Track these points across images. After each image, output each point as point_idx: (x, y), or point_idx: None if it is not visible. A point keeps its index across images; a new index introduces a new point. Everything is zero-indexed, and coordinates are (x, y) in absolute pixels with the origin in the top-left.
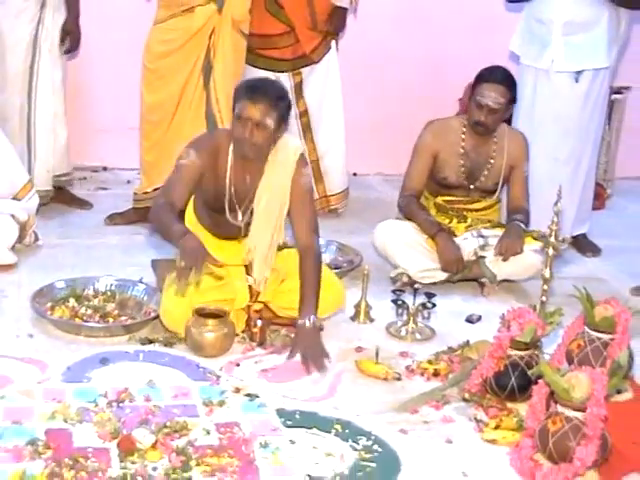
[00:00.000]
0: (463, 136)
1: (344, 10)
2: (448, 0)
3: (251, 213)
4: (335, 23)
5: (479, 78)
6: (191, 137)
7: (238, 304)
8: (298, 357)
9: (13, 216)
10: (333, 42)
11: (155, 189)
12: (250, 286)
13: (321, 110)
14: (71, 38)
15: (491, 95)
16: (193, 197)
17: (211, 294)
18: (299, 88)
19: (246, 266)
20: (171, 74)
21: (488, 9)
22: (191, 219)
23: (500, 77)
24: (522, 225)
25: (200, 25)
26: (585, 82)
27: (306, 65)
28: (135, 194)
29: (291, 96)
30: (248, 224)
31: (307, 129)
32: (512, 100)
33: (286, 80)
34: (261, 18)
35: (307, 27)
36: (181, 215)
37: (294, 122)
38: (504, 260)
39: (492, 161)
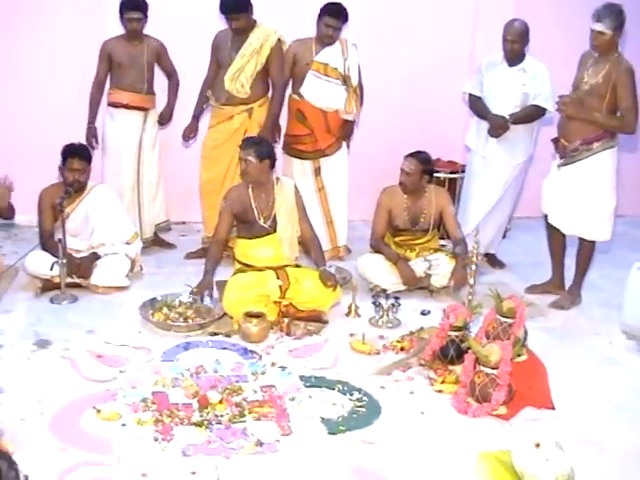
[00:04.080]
0: (405, 196)
1: (351, 122)
2: (407, 104)
3: (269, 218)
4: (345, 131)
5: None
6: None
7: (272, 298)
8: (313, 340)
9: (126, 255)
10: (344, 143)
11: (213, 235)
12: (280, 286)
13: (333, 189)
14: (165, 119)
15: (405, 164)
16: (236, 228)
17: (254, 292)
18: (318, 171)
19: (275, 271)
20: (219, 160)
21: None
22: (238, 241)
23: (415, 154)
24: (464, 258)
25: (237, 127)
26: (517, 167)
27: (322, 156)
28: (202, 239)
29: (312, 176)
30: (271, 226)
31: (324, 200)
32: (425, 171)
33: (309, 165)
34: (292, 124)
35: (323, 131)
36: (225, 243)
37: (315, 195)
38: (456, 290)
39: (425, 211)
